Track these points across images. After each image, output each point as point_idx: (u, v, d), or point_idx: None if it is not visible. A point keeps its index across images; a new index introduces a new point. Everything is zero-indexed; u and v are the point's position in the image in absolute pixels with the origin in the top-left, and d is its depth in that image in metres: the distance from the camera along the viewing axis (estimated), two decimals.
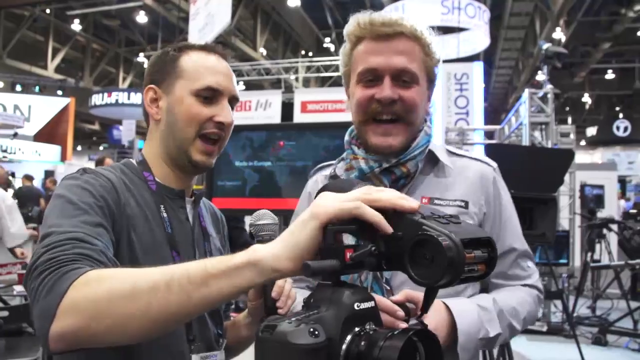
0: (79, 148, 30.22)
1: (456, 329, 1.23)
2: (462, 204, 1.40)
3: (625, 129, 24.12)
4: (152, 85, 1.35)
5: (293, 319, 0.66)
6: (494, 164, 1.51)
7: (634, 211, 7.18)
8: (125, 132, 18.16)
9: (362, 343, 0.67)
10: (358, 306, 0.70)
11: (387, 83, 1.35)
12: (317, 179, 1.62)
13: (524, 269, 1.49)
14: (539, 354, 5.91)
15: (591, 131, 27.25)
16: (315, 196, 0.86)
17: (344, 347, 0.67)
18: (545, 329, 6.72)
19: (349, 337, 0.68)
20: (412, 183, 1.41)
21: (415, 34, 1.38)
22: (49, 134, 19.93)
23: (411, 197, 1.27)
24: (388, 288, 1.32)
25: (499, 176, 1.50)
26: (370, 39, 1.39)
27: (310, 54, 22.21)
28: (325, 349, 0.65)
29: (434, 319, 1.18)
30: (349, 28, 1.44)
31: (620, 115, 26.34)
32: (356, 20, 1.41)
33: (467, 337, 1.24)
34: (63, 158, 19.61)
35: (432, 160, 1.45)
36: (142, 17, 19.21)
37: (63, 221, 1.06)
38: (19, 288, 4.24)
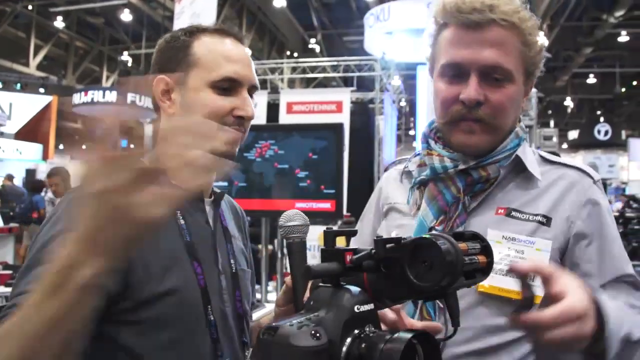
0: (61, 147, 29.86)
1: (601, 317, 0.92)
2: (544, 219, 1.19)
3: (606, 132, 24.45)
4: (163, 76, 1.24)
5: (294, 321, 0.67)
6: (596, 176, 1.26)
7: (616, 214, 7.28)
8: None
9: (363, 345, 0.67)
10: (358, 309, 0.71)
11: (474, 82, 1.16)
12: (390, 173, 1.47)
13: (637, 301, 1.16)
14: None
15: (573, 134, 27.61)
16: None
17: (344, 349, 0.67)
18: None
19: (348, 340, 0.68)
20: (492, 190, 1.23)
21: (513, 20, 1.16)
22: (30, 132, 19.67)
23: (486, 206, 1.22)
24: (442, 306, 1.17)
25: (599, 189, 1.25)
26: (457, 26, 1.19)
27: (296, 54, 22.20)
28: (327, 351, 0.66)
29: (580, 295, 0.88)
30: (434, 8, 1.24)
31: (601, 119, 26.72)
32: (442, 1, 1.20)
33: (614, 327, 0.94)
34: (45, 157, 19.38)
35: (520, 167, 1.25)
36: (126, 15, 19.03)
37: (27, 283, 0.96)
38: (0, 289, 4.19)
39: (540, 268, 0.90)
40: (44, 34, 21.83)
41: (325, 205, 4.26)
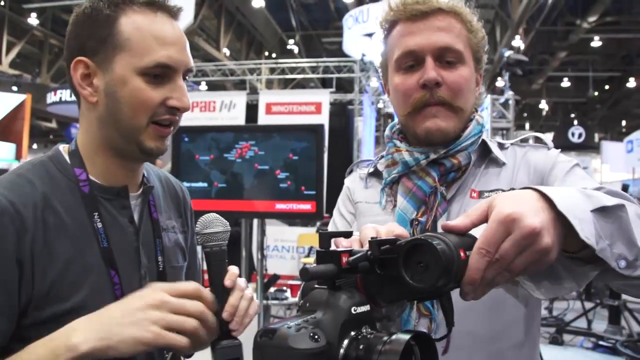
0: (34, 146, 29.37)
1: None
2: (508, 189, 1.21)
3: (580, 135, 24.82)
4: (82, 58, 1.06)
5: (292, 323, 0.66)
6: (549, 143, 1.33)
7: None
8: None
9: (361, 347, 0.67)
10: (355, 310, 0.70)
11: (430, 64, 1.20)
12: (353, 177, 1.48)
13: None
14: None
15: (548, 137, 28.04)
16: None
17: (341, 351, 0.67)
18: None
19: (346, 342, 0.68)
20: (464, 177, 1.27)
21: (455, 9, 1.23)
22: (3, 131, 19.26)
23: (462, 192, 1.26)
24: None
25: (553, 153, 1.29)
26: (405, 20, 1.24)
27: (274, 55, 22.15)
28: (326, 353, 0.65)
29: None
30: (381, 16, 1.30)
31: (575, 122, 27.12)
32: (387, 5, 1.26)
33: (573, 208, 0.78)
34: (18, 156, 18.95)
35: (485, 153, 1.31)
36: None
37: None
38: None
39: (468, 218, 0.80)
40: (17, 31, 21.43)
41: (306, 206, 4.26)
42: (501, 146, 1.35)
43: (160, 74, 1.07)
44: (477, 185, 1.27)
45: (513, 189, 1.12)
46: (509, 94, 7.99)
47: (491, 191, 1.24)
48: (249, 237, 4.62)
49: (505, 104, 8.02)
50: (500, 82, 15.34)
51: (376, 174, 1.41)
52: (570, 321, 6.73)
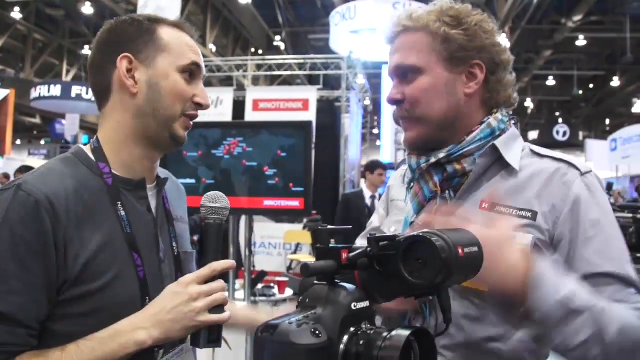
0: (18, 142, 29.04)
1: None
2: (529, 214, 1.16)
3: (565, 133, 25.11)
4: (127, 54, 1.23)
5: (293, 319, 0.66)
6: (585, 168, 1.22)
7: None
8: (69, 126, 17.58)
9: (361, 342, 0.68)
10: (355, 306, 0.71)
11: (394, 84, 1.31)
12: (397, 173, 1.54)
13: (627, 299, 1.10)
14: None
15: (533, 135, 28.23)
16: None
17: (342, 347, 0.67)
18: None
19: (346, 337, 0.69)
20: (472, 183, 1.24)
21: (406, 25, 1.28)
22: None
23: (470, 199, 1.23)
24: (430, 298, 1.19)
25: (587, 183, 1.20)
26: (388, 44, 1.35)
27: (260, 51, 22.10)
28: (326, 349, 0.66)
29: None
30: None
31: (560, 120, 27.41)
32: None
33: (544, 289, 0.99)
34: (2, 152, 18.78)
35: (501, 159, 1.24)
36: (87, 9, 18.60)
37: None
38: None
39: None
40: (0, 25, 21.15)
41: (294, 203, 4.24)
42: (536, 153, 1.27)
43: (192, 72, 1.27)
44: (490, 195, 1.21)
45: (531, 211, 1.15)
46: None
47: (506, 206, 1.18)
48: (236, 233, 4.61)
49: None
50: None
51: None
52: None
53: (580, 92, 24.99)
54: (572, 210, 1.16)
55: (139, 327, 1.10)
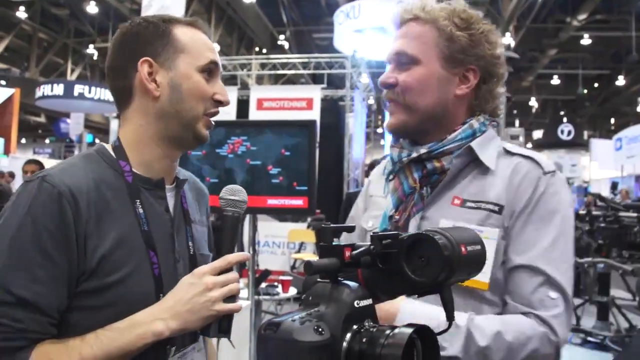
0: (23, 141, 29.12)
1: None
2: (496, 208, 1.22)
3: (569, 132, 25.06)
4: (147, 58, 1.24)
5: (296, 316, 0.67)
6: (548, 166, 1.28)
7: (583, 212, 7.45)
8: (74, 125, 17.62)
9: (364, 340, 0.68)
10: (358, 304, 0.71)
11: (388, 68, 1.35)
12: (377, 169, 1.57)
13: (542, 297, 1.17)
14: None
15: (537, 134, 28.20)
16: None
17: (344, 344, 0.68)
18: None
19: (348, 335, 0.69)
20: (449, 180, 1.28)
21: (416, 14, 1.33)
22: None
23: (444, 196, 1.29)
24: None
25: (551, 180, 1.25)
26: (394, 29, 1.40)
27: (265, 51, 22.11)
28: (329, 346, 0.66)
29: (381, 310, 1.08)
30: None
31: (565, 120, 27.34)
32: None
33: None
34: (7, 151, 18.85)
35: (477, 159, 1.29)
36: (92, 8, 18.67)
37: (10, 275, 1.06)
38: None
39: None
40: (6, 25, 21.22)
41: (298, 202, 4.24)
42: (508, 152, 1.32)
43: (211, 71, 1.28)
44: (463, 192, 1.27)
45: (498, 205, 1.22)
46: (501, 90, 8.02)
47: (475, 202, 1.24)
48: (240, 232, 4.62)
49: None
50: None
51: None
52: None
53: (585, 91, 24.91)
54: (531, 199, 1.22)
55: (156, 318, 1.12)
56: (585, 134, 28.38)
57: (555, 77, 24.90)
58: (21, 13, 20.02)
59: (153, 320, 1.12)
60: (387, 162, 1.44)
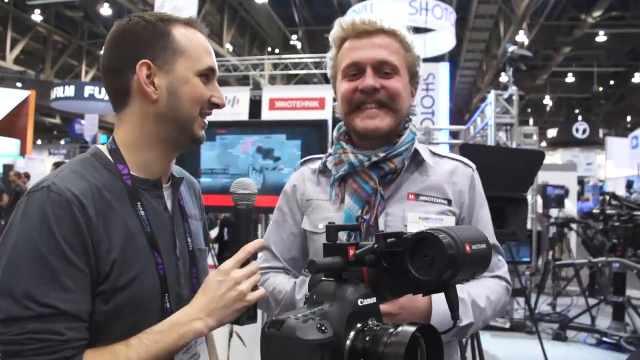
0: (38, 142, 29.42)
1: (429, 316, 1.30)
2: (446, 201, 1.48)
3: (584, 131, 24.82)
4: (146, 60, 1.23)
5: (299, 314, 0.67)
6: (473, 165, 1.59)
7: (597, 211, 7.37)
8: (88, 126, 17.74)
9: (367, 338, 0.68)
10: (361, 302, 0.71)
11: (369, 73, 1.43)
12: (303, 172, 1.63)
13: (495, 262, 1.53)
14: (502, 349, 6.04)
15: (551, 132, 27.96)
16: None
17: (348, 342, 0.68)
18: (508, 325, 6.87)
19: (352, 333, 0.69)
20: (398, 179, 1.47)
21: (394, 31, 1.47)
22: (7, 127, 19.33)
23: (397, 193, 1.46)
24: None
25: (476, 176, 1.58)
26: (353, 37, 1.48)
27: (277, 51, 22.13)
28: (332, 344, 0.66)
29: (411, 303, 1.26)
30: (333, 33, 1.52)
31: (579, 118, 27.09)
32: (339, 24, 1.51)
33: (441, 323, 1.23)
34: (22, 152, 19.08)
35: (417, 159, 1.51)
36: (106, 10, 18.80)
37: (39, 288, 1.06)
38: None
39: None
40: (21, 28, 21.44)
41: None
42: (435, 154, 1.57)
43: (208, 75, 1.29)
44: (413, 188, 1.48)
45: (447, 199, 1.48)
46: (513, 89, 7.95)
47: (427, 196, 1.47)
48: (253, 232, 4.63)
49: (509, 100, 7.97)
50: (504, 78, 15.30)
51: (325, 171, 1.57)
52: (574, 317, 6.69)
53: (600, 88, 24.65)
54: (470, 192, 1.53)
55: (195, 318, 1.18)
56: (601, 132, 28.07)
57: (570, 74, 24.65)
58: (36, 16, 20.23)
59: (191, 320, 1.17)
60: (314, 168, 1.59)
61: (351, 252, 0.73)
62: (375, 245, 0.74)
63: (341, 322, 0.68)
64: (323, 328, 0.66)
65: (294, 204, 1.61)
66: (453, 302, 0.78)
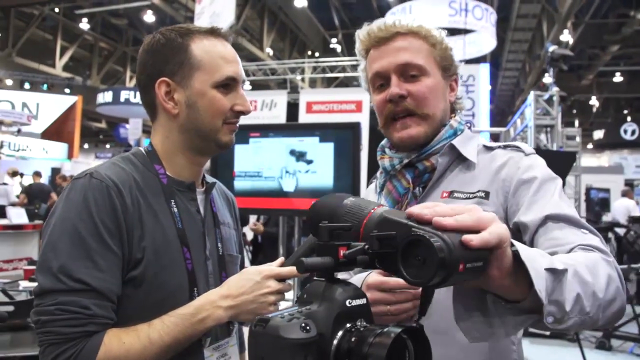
0: (85, 146, 30.35)
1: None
2: (483, 194, 1.31)
3: (633, 132, 24.02)
4: (164, 78, 1.31)
5: (286, 313, 0.68)
6: (528, 149, 1.38)
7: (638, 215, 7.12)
8: (132, 130, 18.21)
9: (353, 339, 0.68)
10: (350, 303, 0.71)
11: (394, 81, 1.37)
12: (370, 187, 1.62)
13: (575, 233, 1.15)
14: (542, 357, 5.91)
15: (598, 134, 27.12)
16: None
17: (334, 342, 0.68)
18: (548, 332, 6.71)
19: (339, 333, 0.69)
20: (439, 178, 1.38)
21: (411, 29, 1.40)
22: (56, 131, 20.04)
23: (434, 192, 1.37)
24: None
25: (530, 159, 1.34)
26: (373, 47, 1.43)
27: (317, 54, 22.22)
28: (316, 344, 0.67)
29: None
30: (357, 47, 1.48)
31: (629, 119, 26.23)
32: (358, 37, 1.46)
33: (532, 260, 0.83)
34: (70, 156, 19.72)
35: (460, 156, 1.39)
36: (149, 17, 19.27)
37: (74, 264, 1.14)
38: (24, 283, 4.27)
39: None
40: (70, 36, 22.21)
41: None
42: (488, 148, 1.43)
43: (228, 85, 1.32)
44: (449, 186, 1.37)
45: (484, 192, 1.30)
46: (553, 90, 7.77)
47: (463, 192, 1.33)
48: (286, 235, 4.66)
49: (549, 101, 7.80)
50: (547, 78, 14.96)
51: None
52: (620, 325, 6.45)
53: None
54: (519, 175, 1.29)
55: (217, 306, 1.22)
56: None
57: (618, 74, 23.90)
58: (84, 24, 20.90)
59: (214, 307, 1.22)
60: (378, 179, 1.52)
61: (341, 252, 0.73)
62: (366, 246, 0.74)
63: (327, 322, 0.69)
64: (307, 327, 0.66)
65: None
66: (427, 300, 0.77)
